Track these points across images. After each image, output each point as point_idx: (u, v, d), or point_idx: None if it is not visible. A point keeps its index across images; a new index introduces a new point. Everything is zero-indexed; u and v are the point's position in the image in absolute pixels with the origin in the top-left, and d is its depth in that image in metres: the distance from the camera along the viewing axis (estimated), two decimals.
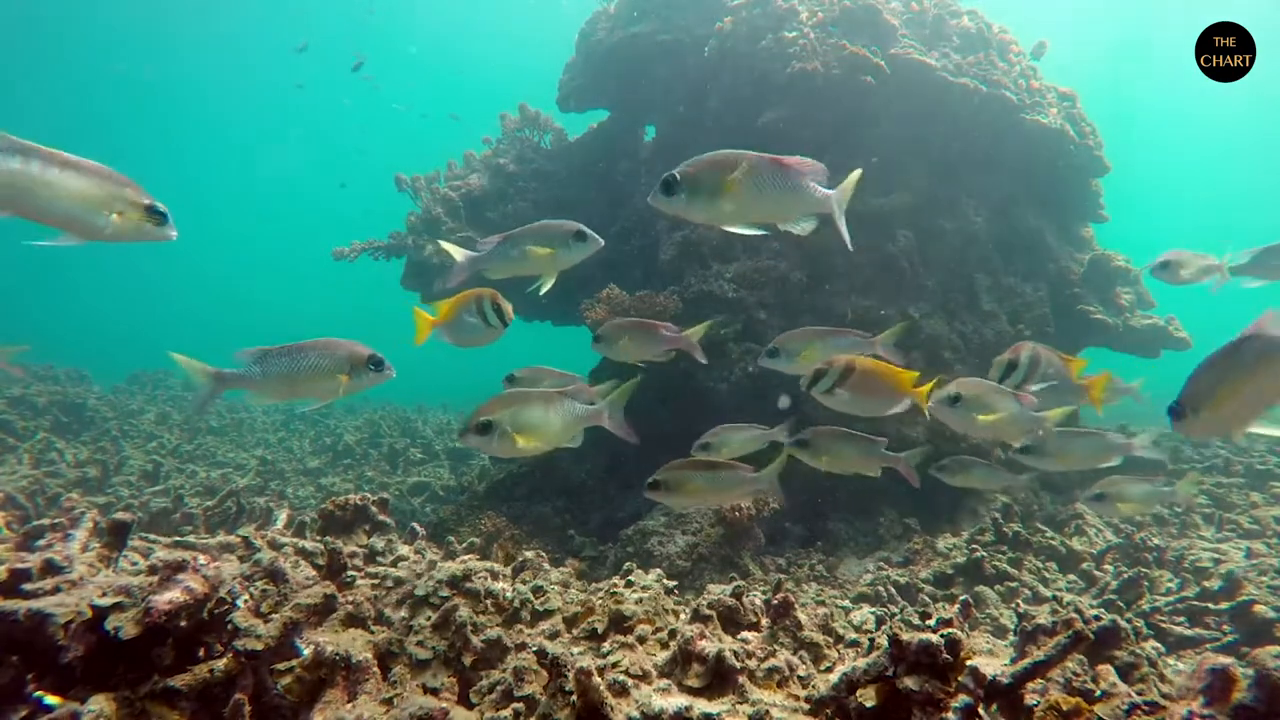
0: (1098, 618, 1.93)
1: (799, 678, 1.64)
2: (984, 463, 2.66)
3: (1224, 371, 1.44)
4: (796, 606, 1.80)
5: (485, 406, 1.74)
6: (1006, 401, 2.06)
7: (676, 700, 1.48)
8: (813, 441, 2.27)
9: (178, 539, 2.88)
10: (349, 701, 1.56)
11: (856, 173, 1.75)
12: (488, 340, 2.13)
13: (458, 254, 2.22)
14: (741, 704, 1.50)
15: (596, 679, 1.39)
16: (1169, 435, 3.88)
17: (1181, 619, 2.60)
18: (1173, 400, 1.46)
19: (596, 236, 2.11)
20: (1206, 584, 2.78)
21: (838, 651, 1.86)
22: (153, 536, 2.87)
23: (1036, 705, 1.47)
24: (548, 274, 2.19)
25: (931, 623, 1.69)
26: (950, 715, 1.25)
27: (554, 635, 1.90)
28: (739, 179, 1.60)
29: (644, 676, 1.60)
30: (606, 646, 1.73)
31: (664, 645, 1.72)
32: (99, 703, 1.32)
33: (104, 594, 1.44)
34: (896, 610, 2.68)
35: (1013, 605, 2.78)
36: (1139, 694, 1.55)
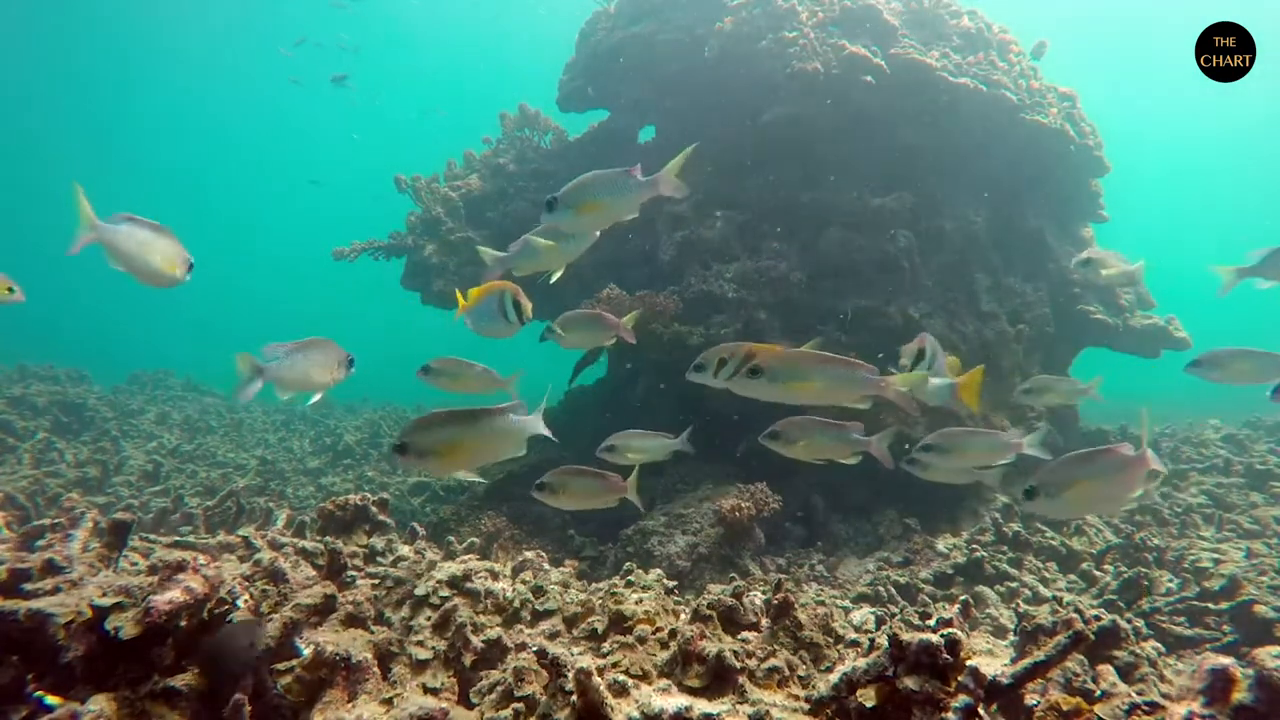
0: (1098, 618, 1.94)
1: (799, 678, 1.64)
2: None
3: (1077, 473, 1.76)
4: (796, 606, 1.80)
5: (406, 428, 1.75)
6: (825, 368, 1.96)
7: (676, 700, 1.48)
8: (783, 432, 2.31)
9: (178, 539, 2.89)
10: (349, 701, 1.56)
11: (688, 149, 2.07)
12: (505, 333, 2.30)
13: (489, 256, 2.51)
14: (741, 704, 1.50)
15: (596, 679, 1.39)
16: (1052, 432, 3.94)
17: (1182, 619, 2.60)
18: (1029, 483, 1.78)
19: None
20: (1206, 584, 2.78)
21: (838, 651, 1.86)
22: (153, 537, 2.87)
23: (1037, 705, 1.47)
24: (556, 266, 2.44)
25: (931, 623, 1.69)
26: (950, 715, 1.25)
27: (554, 635, 1.90)
28: (597, 196, 2.01)
29: (644, 676, 1.60)
30: (606, 646, 1.73)
31: (664, 645, 1.72)
32: (99, 703, 1.32)
33: (104, 594, 1.44)
34: (896, 610, 2.68)
35: (1013, 605, 2.78)
36: (1139, 694, 1.55)
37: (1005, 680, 1.43)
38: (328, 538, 2.27)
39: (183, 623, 1.47)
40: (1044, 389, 3.25)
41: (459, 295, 2.36)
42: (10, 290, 1.89)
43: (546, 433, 1.85)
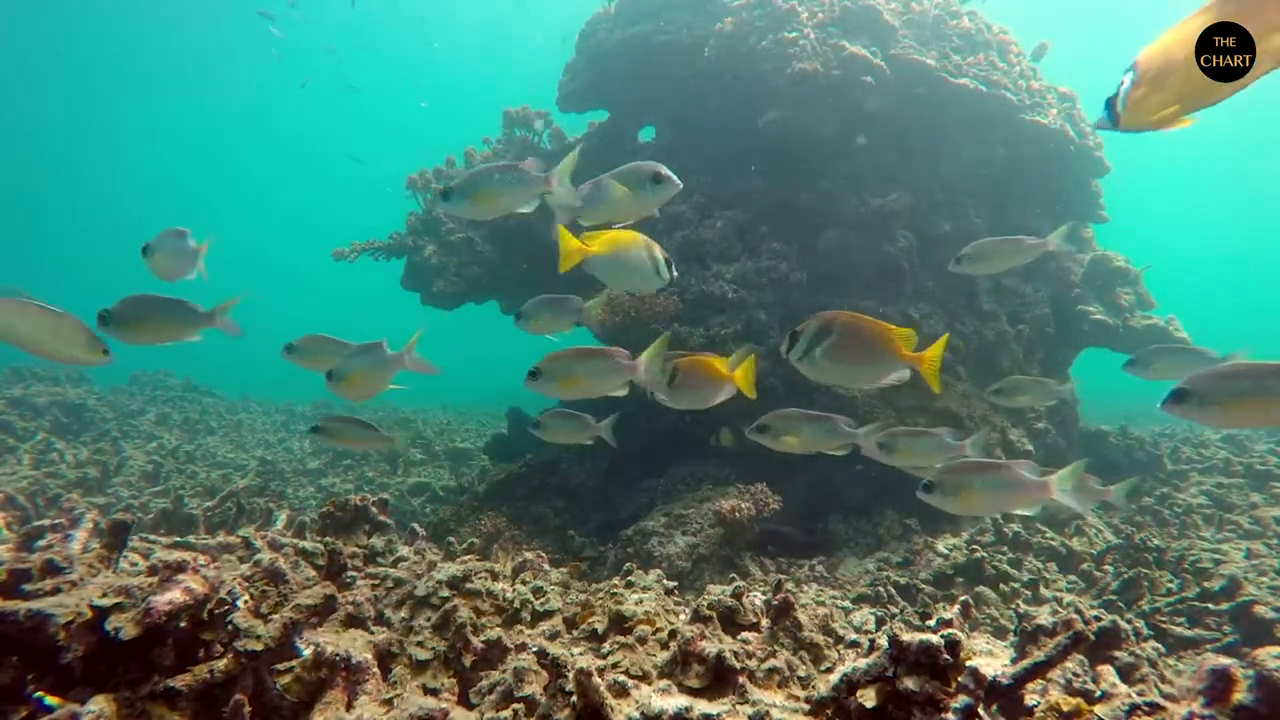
0: (1098, 618, 1.94)
1: (799, 678, 1.64)
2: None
3: (971, 479, 1.95)
4: (796, 607, 1.80)
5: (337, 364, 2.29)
6: (587, 362, 2.13)
7: (676, 701, 1.48)
8: (771, 425, 2.32)
9: (177, 540, 2.88)
10: (349, 702, 1.56)
11: (571, 155, 2.14)
12: (648, 288, 2.16)
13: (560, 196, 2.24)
14: (741, 704, 1.50)
15: (596, 679, 1.39)
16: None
17: (1182, 619, 2.60)
18: (928, 479, 1.96)
19: (674, 179, 2.09)
20: (1206, 584, 2.78)
21: (838, 652, 1.86)
22: (152, 537, 2.87)
23: (1037, 706, 1.47)
24: (629, 218, 2.20)
25: (931, 623, 1.69)
26: (950, 716, 1.25)
27: (554, 636, 1.90)
28: (492, 188, 2.09)
29: (644, 677, 1.60)
30: (606, 647, 1.73)
31: (664, 646, 1.72)
32: (99, 703, 1.32)
33: (104, 594, 1.44)
34: (896, 611, 2.68)
35: (1013, 606, 2.78)
36: (1139, 694, 1.55)
37: (1005, 681, 1.43)
38: (328, 538, 2.27)
39: (182, 623, 1.47)
40: (1015, 390, 3.24)
41: (565, 233, 2.09)
42: (105, 353, 1.89)
43: (411, 365, 2.20)
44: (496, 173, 2.09)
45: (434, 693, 1.68)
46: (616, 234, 2.10)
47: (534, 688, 1.58)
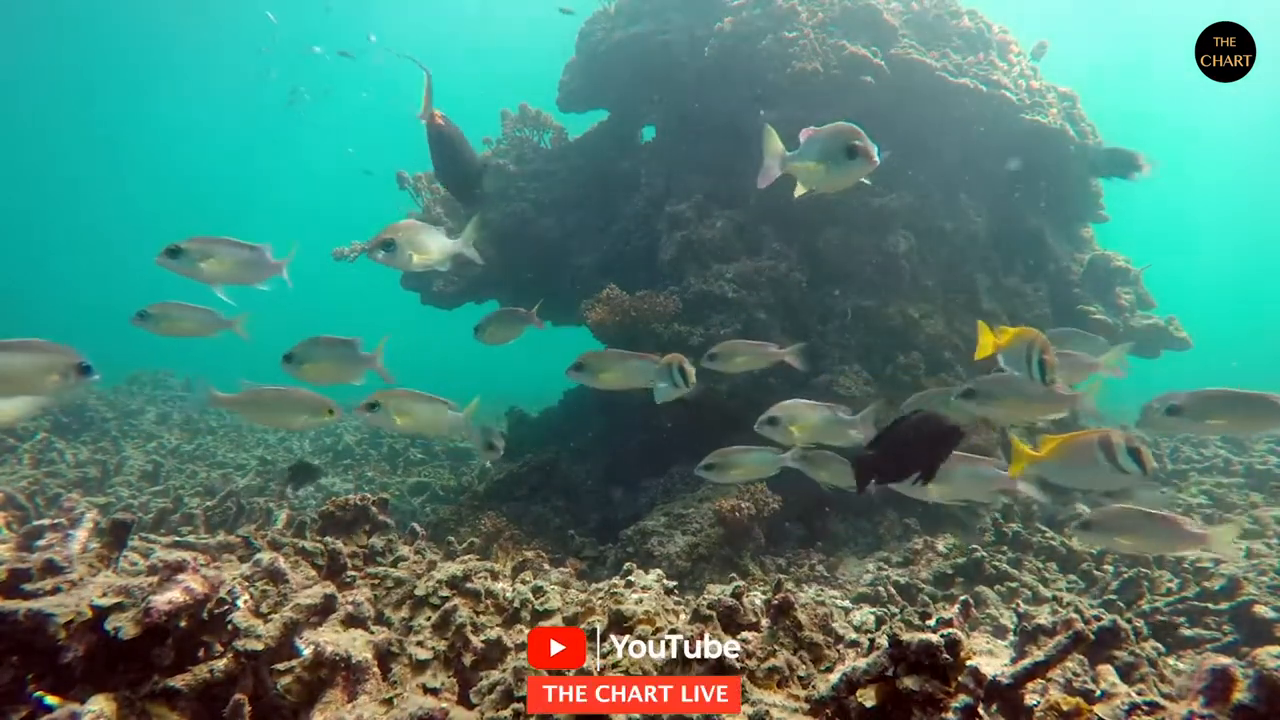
0: (1097, 618, 1.94)
1: (799, 678, 1.64)
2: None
3: (960, 468, 2.12)
4: (796, 606, 1.80)
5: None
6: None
7: None
8: (780, 418, 2.45)
9: (177, 539, 2.89)
10: (349, 702, 1.56)
11: (474, 220, 2.61)
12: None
13: (773, 149, 2.18)
14: (741, 704, 1.50)
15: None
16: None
17: (1182, 619, 2.60)
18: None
19: (869, 153, 2.01)
20: (1206, 584, 2.77)
21: (838, 652, 1.86)
22: (152, 537, 2.87)
23: (1036, 705, 1.47)
24: (822, 188, 2.24)
25: (931, 623, 1.69)
26: (950, 715, 1.25)
27: None
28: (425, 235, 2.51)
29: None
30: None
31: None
32: (99, 703, 1.32)
33: (104, 594, 1.44)
34: (896, 610, 2.67)
35: (1013, 605, 2.78)
36: (1139, 694, 1.55)
37: (1005, 680, 1.43)
38: (328, 538, 2.27)
39: (182, 623, 1.47)
40: None
41: (984, 326, 2.36)
42: (330, 412, 2.25)
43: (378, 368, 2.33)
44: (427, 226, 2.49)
45: (434, 692, 1.68)
46: (1019, 331, 2.27)
47: None
